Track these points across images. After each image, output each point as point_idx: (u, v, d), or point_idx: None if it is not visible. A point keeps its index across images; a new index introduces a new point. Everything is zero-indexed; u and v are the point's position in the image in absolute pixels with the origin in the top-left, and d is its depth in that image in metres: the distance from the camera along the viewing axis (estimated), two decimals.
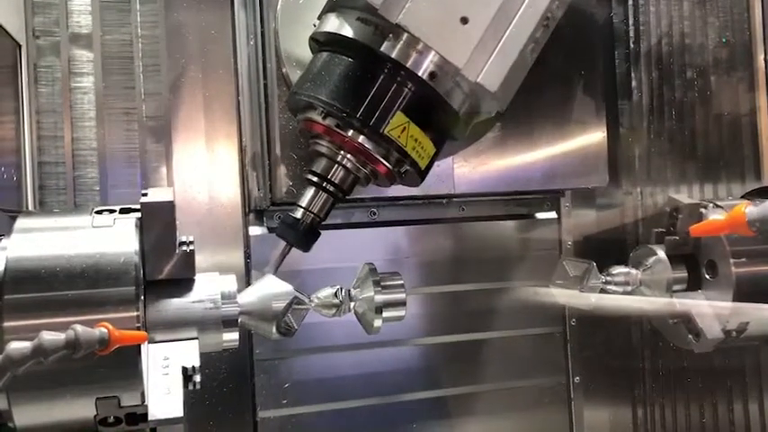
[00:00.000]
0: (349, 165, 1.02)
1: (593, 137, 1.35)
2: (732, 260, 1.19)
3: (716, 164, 1.54)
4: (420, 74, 0.94)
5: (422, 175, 1.03)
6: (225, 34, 1.30)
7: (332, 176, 1.03)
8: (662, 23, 1.52)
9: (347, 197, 1.05)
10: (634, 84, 1.52)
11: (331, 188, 1.03)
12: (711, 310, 1.22)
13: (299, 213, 1.03)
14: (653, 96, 1.52)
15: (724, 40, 1.53)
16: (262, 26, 1.23)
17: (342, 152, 1.01)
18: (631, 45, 1.52)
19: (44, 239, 0.84)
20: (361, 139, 0.97)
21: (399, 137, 0.96)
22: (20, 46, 1.27)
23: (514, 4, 0.93)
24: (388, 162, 1.00)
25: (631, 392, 1.53)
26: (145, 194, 0.89)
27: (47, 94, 1.31)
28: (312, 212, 1.03)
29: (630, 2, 1.51)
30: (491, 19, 0.92)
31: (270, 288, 0.99)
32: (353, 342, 1.35)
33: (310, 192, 1.04)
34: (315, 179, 1.03)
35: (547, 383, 1.49)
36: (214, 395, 1.27)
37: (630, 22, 1.52)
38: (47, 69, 1.32)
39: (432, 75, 0.95)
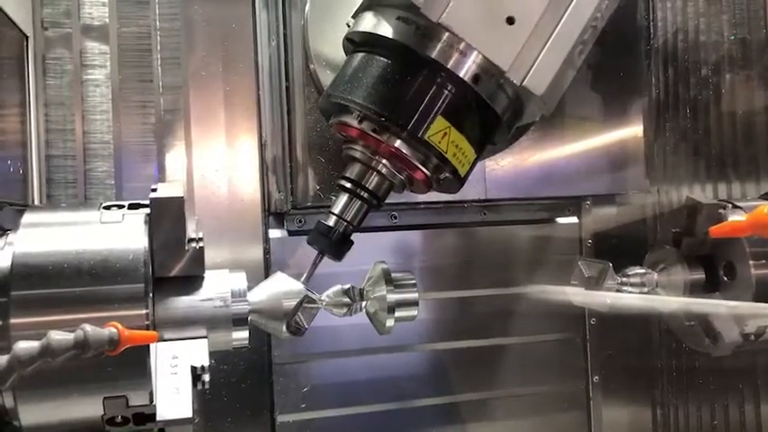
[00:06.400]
0: (384, 171, 0.97)
1: (630, 141, 1.33)
2: (752, 262, 1.17)
3: (730, 162, 1.52)
4: (462, 76, 0.90)
5: (461, 182, 0.99)
6: (246, 28, 1.28)
7: (366, 183, 0.98)
8: (677, 20, 1.51)
9: (381, 204, 1.01)
10: (653, 81, 1.50)
11: (365, 195, 0.98)
12: (729, 312, 1.19)
13: (331, 221, 0.99)
14: (668, 93, 1.51)
15: (733, 36, 1.51)
16: (285, 27, 1.20)
17: (377, 157, 0.97)
18: (651, 42, 1.50)
19: (52, 235, 0.83)
20: (398, 144, 0.93)
21: (440, 143, 0.92)
22: (27, 37, 1.26)
23: (562, 4, 0.89)
24: (427, 169, 0.95)
25: (651, 392, 1.53)
26: (154, 190, 0.88)
27: (55, 86, 1.30)
28: (345, 220, 0.99)
29: None
30: (538, 19, 0.88)
31: (280, 286, 0.97)
32: (372, 346, 1.34)
33: (343, 198, 0.99)
34: (348, 185, 0.99)
35: (566, 387, 1.48)
36: (232, 394, 1.26)
37: (649, 18, 1.50)
38: (55, 61, 1.30)
39: (475, 77, 0.91)
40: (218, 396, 1.22)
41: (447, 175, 0.96)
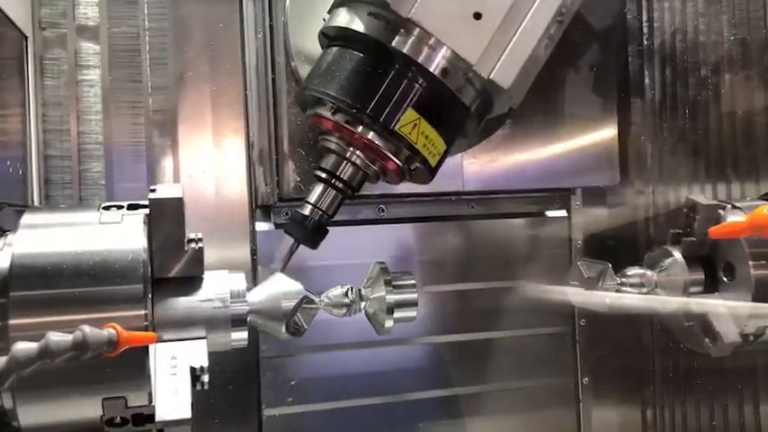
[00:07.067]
0: (358, 161, 1.00)
1: (605, 135, 1.34)
2: (751, 262, 1.17)
3: (729, 163, 1.52)
4: (432, 70, 0.93)
5: (432, 172, 1.02)
6: (233, 28, 1.29)
7: (341, 173, 1.01)
8: (675, 20, 1.51)
9: (356, 194, 1.04)
10: (647, 81, 1.50)
11: (340, 185, 1.01)
12: (728, 312, 1.19)
13: (307, 210, 1.02)
14: (665, 94, 1.51)
15: (732, 37, 1.51)
16: (270, 20, 1.21)
17: (351, 148, 1.00)
18: (644, 42, 1.50)
19: (51, 235, 0.83)
20: (370, 135, 0.96)
21: (410, 134, 0.94)
22: (26, 38, 1.25)
23: (528, 0, 0.92)
24: (398, 159, 0.98)
25: (641, 393, 1.52)
26: (153, 190, 0.88)
27: (53, 86, 1.30)
28: (320, 209, 1.02)
29: None
30: (505, 14, 0.91)
31: (279, 287, 0.98)
32: (361, 340, 1.34)
33: (319, 188, 1.02)
34: (323, 175, 1.02)
35: (555, 384, 1.48)
36: (219, 392, 1.26)
37: (644, 18, 1.50)
38: (53, 62, 1.30)
39: (444, 71, 0.93)
40: (204, 393, 1.22)
41: (418, 165, 0.99)
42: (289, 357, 1.32)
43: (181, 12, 1.28)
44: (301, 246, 1.03)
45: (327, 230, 1.03)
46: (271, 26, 1.21)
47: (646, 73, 1.51)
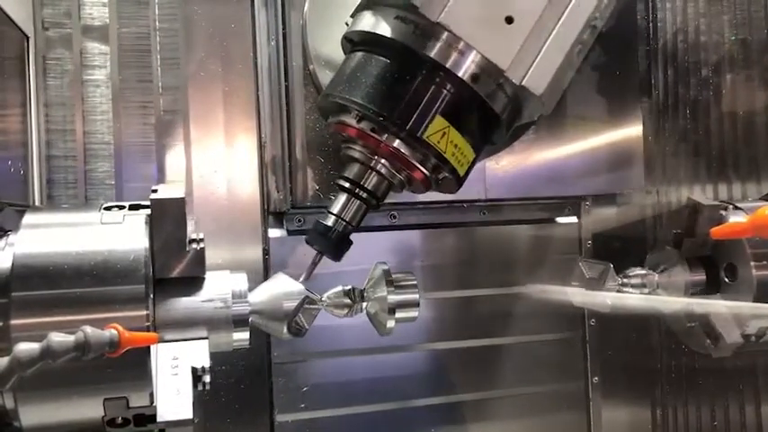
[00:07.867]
0: (383, 170, 0.97)
1: (630, 140, 1.33)
2: (753, 263, 1.17)
3: (730, 163, 1.52)
4: (461, 75, 0.90)
5: (460, 182, 0.98)
6: (245, 28, 1.27)
7: (365, 182, 0.98)
8: (677, 20, 1.50)
9: (381, 204, 1.01)
10: (652, 81, 1.50)
11: (364, 195, 0.98)
12: (729, 312, 1.19)
13: (330, 221, 0.98)
14: (668, 94, 1.51)
15: (733, 37, 1.51)
16: (284, 27, 1.20)
17: (376, 157, 0.96)
18: (650, 42, 1.50)
19: (52, 236, 0.83)
20: (397, 143, 0.92)
21: (439, 142, 0.91)
22: (28, 38, 1.25)
23: (562, 4, 0.89)
24: (426, 168, 0.95)
25: (650, 393, 1.52)
26: (155, 191, 0.87)
27: (55, 86, 1.30)
28: (344, 220, 0.98)
29: None
30: (537, 19, 0.88)
31: (281, 287, 0.97)
32: (372, 346, 1.33)
33: (342, 198, 0.99)
34: (347, 185, 0.99)
35: (566, 387, 1.47)
36: (231, 394, 1.25)
37: (649, 18, 1.50)
38: (56, 62, 1.30)
39: (474, 77, 0.90)
40: (216, 397, 1.22)
41: (446, 174, 0.96)
42: (301, 363, 1.31)
43: (191, 12, 1.27)
44: (307, 251, 1.01)
45: (351, 242, 1.00)
46: (284, 33, 1.20)
47: (652, 74, 1.50)
